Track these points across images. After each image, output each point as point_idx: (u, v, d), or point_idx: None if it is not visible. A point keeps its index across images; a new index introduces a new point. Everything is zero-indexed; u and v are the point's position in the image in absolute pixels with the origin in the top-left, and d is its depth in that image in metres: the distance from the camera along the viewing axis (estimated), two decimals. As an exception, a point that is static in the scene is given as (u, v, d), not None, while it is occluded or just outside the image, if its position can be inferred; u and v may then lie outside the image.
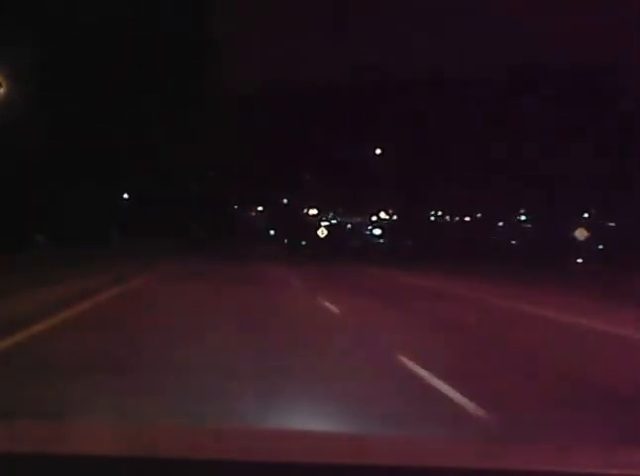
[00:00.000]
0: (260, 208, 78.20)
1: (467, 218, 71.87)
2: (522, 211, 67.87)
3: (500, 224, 68.33)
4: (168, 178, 45.21)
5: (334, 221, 76.81)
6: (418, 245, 58.31)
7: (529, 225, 66.76)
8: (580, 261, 40.31)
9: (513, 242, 62.25)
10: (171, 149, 44.44)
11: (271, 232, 77.22)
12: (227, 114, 52.31)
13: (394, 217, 74.59)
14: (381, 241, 72.28)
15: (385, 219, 75.85)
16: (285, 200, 76.20)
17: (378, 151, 60.60)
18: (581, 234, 39.64)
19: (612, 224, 53.68)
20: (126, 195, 43.56)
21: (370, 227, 77.52)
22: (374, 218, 75.68)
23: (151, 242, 36.35)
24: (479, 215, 73.28)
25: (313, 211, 74.96)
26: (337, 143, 63.01)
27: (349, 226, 78.47)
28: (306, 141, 62.37)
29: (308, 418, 4.95)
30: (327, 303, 13.73)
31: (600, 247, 47.77)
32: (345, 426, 4.68)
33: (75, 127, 35.77)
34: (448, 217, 73.56)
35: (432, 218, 73.39)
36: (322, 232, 62.20)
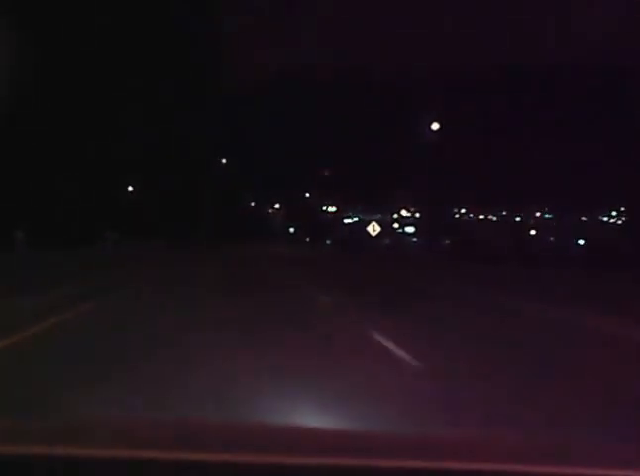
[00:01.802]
0: (277, 206, 77.36)
1: (491, 217, 70.35)
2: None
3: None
4: (177, 174, 44.57)
5: (356, 219, 75.60)
6: (459, 246, 51.58)
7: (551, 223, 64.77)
8: None
9: (581, 242, 55.79)
10: (180, 144, 43.87)
11: (291, 230, 76.34)
12: (238, 108, 51.50)
13: (417, 215, 73.14)
14: (414, 240, 70.60)
15: (407, 217, 74.39)
16: (308, 195, 75.03)
17: (436, 126, 48.78)
18: None
19: None
20: (130, 188, 42.67)
21: (396, 225, 76.01)
22: (396, 216, 74.25)
23: (148, 244, 35.44)
24: (504, 213, 71.82)
25: (332, 209, 73.86)
26: (354, 141, 61.80)
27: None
28: (323, 138, 61.20)
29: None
30: None
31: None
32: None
33: (75, 118, 35.39)
34: (471, 215, 71.95)
35: (456, 216, 72.00)
36: (374, 229, 50.79)
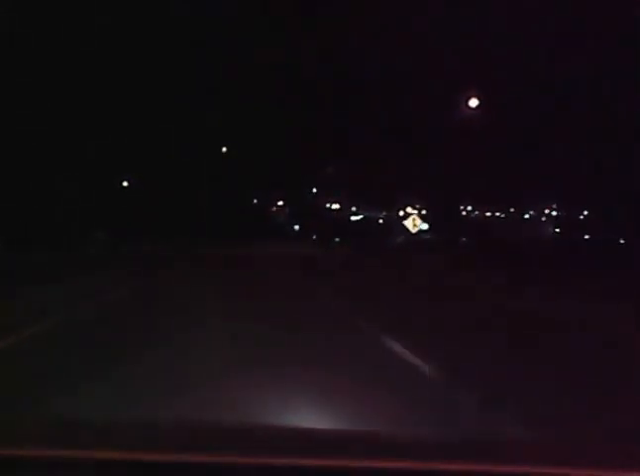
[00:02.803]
0: (280, 203, 76.76)
1: (498, 213, 69.82)
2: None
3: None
4: (176, 173, 44.47)
5: (361, 216, 75.20)
6: (485, 245, 46.83)
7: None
8: None
9: (622, 241, 52.04)
10: (180, 143, 43.78)
11: (296, 227, 75.70)
12: (241, 103, 51.16)
13: (423, 211, 72.58)
14: (428, 237, 69.75)
15: (413, 214, 73.89)
16: (315, 190, 74.14)
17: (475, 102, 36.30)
18: None
19: None
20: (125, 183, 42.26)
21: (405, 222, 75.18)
22: (402, 213, 73.80)
23: (146, 245, 35.25)
24: (512, 210, 71.22)
25: (335, 206, 73.42)
26: (360, 136, 61.20)
27: (381, 221, 76.49)
28: (324, 137, 60.64)
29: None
30: None
31: None
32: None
33: (75, 118, 35.43)
34: (477, 212, 71.37)
35: (463, 213, 71.43)
36: (414, 223, 42.51)
